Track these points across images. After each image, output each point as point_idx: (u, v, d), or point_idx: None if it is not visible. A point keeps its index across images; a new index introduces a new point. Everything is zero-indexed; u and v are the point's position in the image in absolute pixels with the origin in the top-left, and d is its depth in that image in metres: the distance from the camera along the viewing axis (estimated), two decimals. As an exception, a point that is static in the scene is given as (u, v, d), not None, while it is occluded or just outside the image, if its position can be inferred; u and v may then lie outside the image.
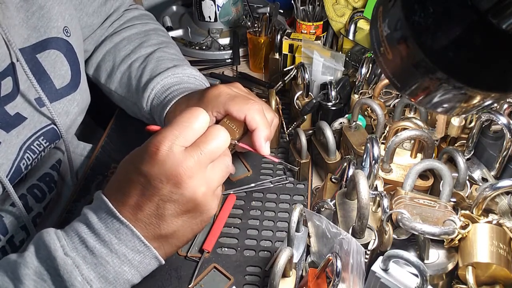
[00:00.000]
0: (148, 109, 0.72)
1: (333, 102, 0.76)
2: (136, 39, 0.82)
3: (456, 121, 0.64)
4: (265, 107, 0.62)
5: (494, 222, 0.50)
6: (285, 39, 0.89)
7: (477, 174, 0.63)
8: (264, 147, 0.58)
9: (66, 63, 0.67)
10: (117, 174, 0.50)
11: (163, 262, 0.49)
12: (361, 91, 0.77)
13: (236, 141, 0.59)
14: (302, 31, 0.94)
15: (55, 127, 0.66)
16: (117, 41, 0.82)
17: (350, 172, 0.59)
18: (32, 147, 0.63)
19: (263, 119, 0.59)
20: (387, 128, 0.69)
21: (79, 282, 0.43)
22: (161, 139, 0.45)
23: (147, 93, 0.72)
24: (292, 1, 0.95)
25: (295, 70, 0.83)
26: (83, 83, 0.72)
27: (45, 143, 0.65)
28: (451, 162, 0.62)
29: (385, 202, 0.52)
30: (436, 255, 0.53)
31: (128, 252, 0.46)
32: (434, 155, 0.62)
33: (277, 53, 0.91)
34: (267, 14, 0.98)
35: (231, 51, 1.05)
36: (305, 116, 0.79)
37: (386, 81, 0.72)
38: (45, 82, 0.64)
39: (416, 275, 0.44)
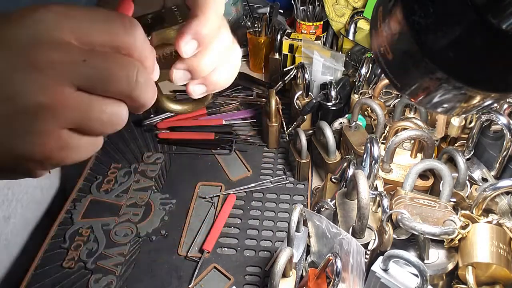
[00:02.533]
0: None
1: (333, 102, 0.76)
2: None
3: (456, 121, 0.64)
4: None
5: (494, 222, 0.50)
6: (285, 39, 0.89)
7: (477, 174, 0.63)
8: (184, 45, 0.38)
9: None
10: None
11: None
12: (361, 91, 0.77)
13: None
14: (302, 31, 0.94)
15: None
16: None
17: (350, 172, 0.59)
18: None
19: (214, 16, 0.39)
20: (387, 128, 0.69)
21: None
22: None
23: None
24: (292, 1, 0.95)
25: (295, 70, 0.83)
26: None
27: None
28: (451, 162, 0.62)
29: (385, 202, 0.52)
30: (436, 255, 0.53)
31: None
32: (434, 155, 0.62)
33: (277, 53, 0.91)
34: (267, 14, 0.98)
35: (231, 51, 1.05)
36: (305, 116, 0.79)
37: (386, 81, 0.72)
38: None
39: (416, 275, 0.43)
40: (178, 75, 0.41)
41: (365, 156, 0.59)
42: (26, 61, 0.27)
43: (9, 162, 0.30)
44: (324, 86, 0.80)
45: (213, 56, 0.42)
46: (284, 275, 0.50)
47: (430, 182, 0.61)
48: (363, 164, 0.59)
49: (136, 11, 0.40)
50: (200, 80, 0.43)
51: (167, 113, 0.87)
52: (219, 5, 0.40)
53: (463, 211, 0.53)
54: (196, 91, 0.43)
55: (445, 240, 0.51)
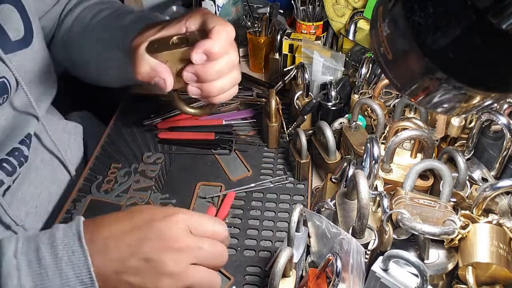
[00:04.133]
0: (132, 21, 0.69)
1: (333, 102, 0.76)
2: (99, 5, 0.79)
3: (456, 121, 0.64)
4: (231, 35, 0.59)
5: (494, 222, 0.50)
6: (285, 39, 0.89)
7: (477, 174, 0.63)
8: (195, 55, 0.55)
9: (19, 17, 0.66)
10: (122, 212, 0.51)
11: None
12: (361, 91, 0.77)
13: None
14: (302, 31, 0.94)
15: (5, 80, 0.63)
16: (78, 12, 0.79)
17: (350, 172, 0.59)
18: None
19: (225, 40, 0.55)
20: (387, 128, 0.69)
21: (13, 286, 0.43)
22: (177, 211, 0.49)
23: (129, 17, 0.69)
24: (292, 1, 0.95)
25: (295, 70, 0.83)
26: (36, 43, 0.69)
27: None
28: (451, 162, 0.62)
29: (385, 202, 0.52)
30: (436, 255, 0.53)
31: (72, 277, 0.44)
32: (434, 155, 0.62)
33: (277, 53, 0.91)
34: (267, 14, 0.98)
35: (231, 51, 1.05)
36: (305, 116, 0.79)
37: (386, 81, 0.72)
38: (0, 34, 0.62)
39: (416, 275, 0.44)
40: (188, 76, 0.57)
41: (365, 156, 0.59)
42: (180, 243, 0.46)
43: None
44: (324, 86, 0.80)
45: (217, 68, 0.56)
46: (284, 275, 0.50)
47: (430, 182, 0.61)
48: (363, 164, 0.59)
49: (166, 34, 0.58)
50: (198, 85, 0.58)
51: (167, 113, 0.87)
52: (230, 32, 0.56)
53: (463, 211, 0.53)
54: (192, 91, 0.59)
55: (445, 240, 0.51)
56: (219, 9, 1.08)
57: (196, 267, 0.47)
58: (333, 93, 0.76)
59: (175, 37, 0.57)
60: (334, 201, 0.57)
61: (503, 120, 0.56)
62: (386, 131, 0.69)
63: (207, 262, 0.47)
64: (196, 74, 0.57)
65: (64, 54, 0.80)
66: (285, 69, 0.91)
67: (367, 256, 0.50)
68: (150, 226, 0.46)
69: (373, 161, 0.56)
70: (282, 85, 0.84)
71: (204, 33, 0.57)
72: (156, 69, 0.57)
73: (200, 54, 0.55)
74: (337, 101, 0.77)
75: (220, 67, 0.57)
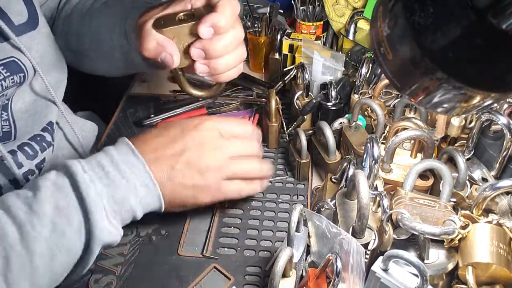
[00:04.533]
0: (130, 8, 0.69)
1: (333, 102, 0.76)
2: None
3: (456, 121, 0.64)
4: (238, 21, 0.60)
5: (494, 222, 0.50)
6: (285, 39, 0.89)
7: (477, 174, 0.63)
8: (203, 28, 0.56)
9: (21, 2, 0.66)
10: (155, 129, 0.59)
11: (163, 208, 0.55)
12: (361, 91, 0.77)
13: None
14: (302, 31, 0.94)
15: (17, 60, 0.63)
16: (77, 0, 0.79)
17: (350, 172, 0.59)
18: None
19: (230, 14, 0.57)
20: (387, 128, 0.69)
21: (94, 195, 0.49)
22: (205, 119, 0.57)
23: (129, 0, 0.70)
24: (292, 1, 0.95)
25: (295, 70, 0.83)
26: (42, 26, 0.69)
27: (6, 72, 0.62)
28: (451, 162, 0.62)
29: (385, 202, 0.52)
30: (436, 255, 0.53)
31: (137, 183, 0.51)
32: (434, 155, 0.62)
33: (277, 53, 0.91)
34: (267, 14, 0.98)
35: (231, 51, 1.05)
36: (305, 116, 0.79)
37: (386, 81, 0.72)
38: (2, 18, 0.62)
39: (416, 275, 0.44)
40: (196, 52, 0.58)
41: (365, 156, 0.59)
42: (214, 144, 0.56)
43: (190, 196, 0.57)
44: (324, 86, 0.80)
45: (224, 43, 0.58)
46: (284, 275, 0.50)
47: (430, 182, 0.61)
48: (363, 164, 0.59)
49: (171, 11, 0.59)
50: (205, 61, 0.59)
51: (167, 113, 0.87)
52: (236, 7, 0.58)
53: (463, 211, 0.53)
54: (199, 68, 0.59)
55: (445, 240, 0.51)
56: (219, 9, 1.08)
57: (235, 158, 0.57)
58: (333, 93, 0.76)
59: (181, 14, 0.58)
60: (334, 201, 0.57)
61: (503, 120, 0.56)
62: (386, 131, 0.69)
63: (243, 152, 0.58)
64: (204, 50, 0.58)
65: (64, 44, 0.79)
66: (285, 69, 0.91)
67: (367, 256, 0.50)
68: (185, 136, 0.55)
69: (373, 161, 0.56)
70: (282, 85, 0.84)
71: (209, 8, 0.57)
72: (163, 44, 0.57)
73: (207, 27, 0.56)
74: (337, 101, 0.77)
75: (227, 42, 0.58)
